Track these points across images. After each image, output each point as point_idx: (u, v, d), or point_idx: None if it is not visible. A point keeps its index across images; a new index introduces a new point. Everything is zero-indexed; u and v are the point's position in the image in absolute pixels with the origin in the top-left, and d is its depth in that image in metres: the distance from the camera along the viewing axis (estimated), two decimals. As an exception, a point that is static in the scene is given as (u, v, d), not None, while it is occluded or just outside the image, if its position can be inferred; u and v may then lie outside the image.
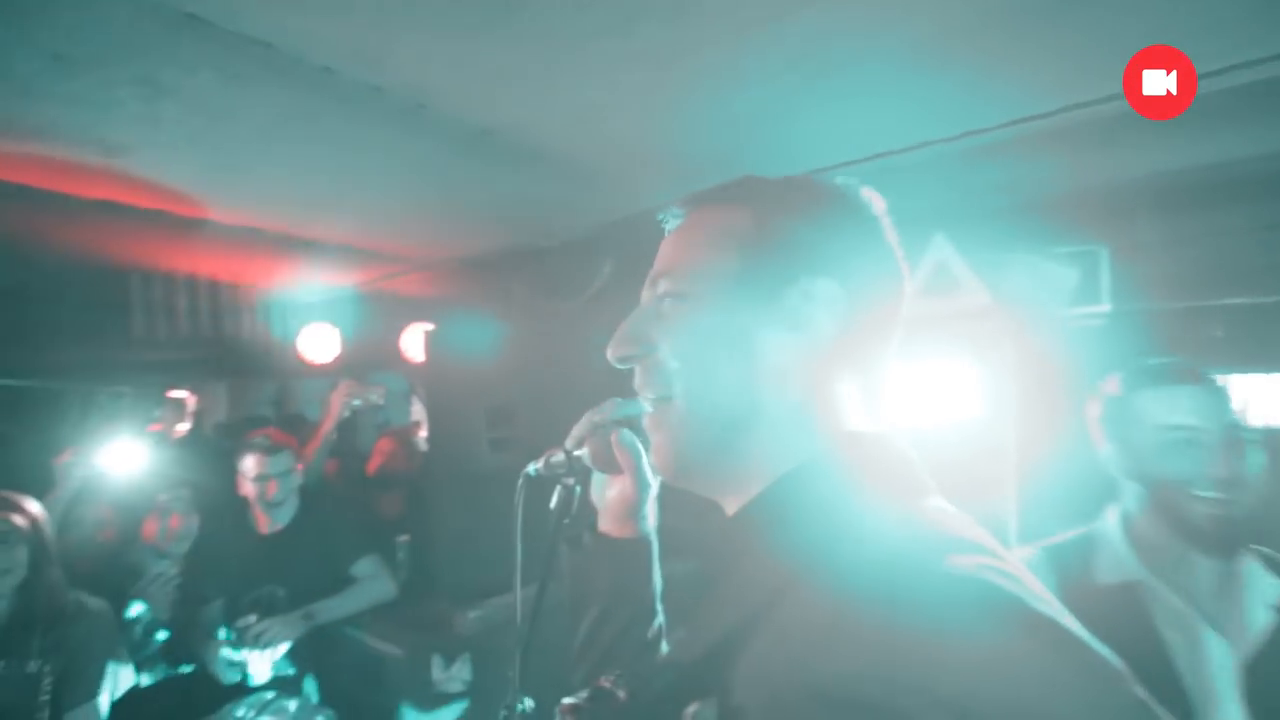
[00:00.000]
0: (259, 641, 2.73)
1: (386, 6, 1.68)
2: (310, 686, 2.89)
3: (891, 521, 0.72)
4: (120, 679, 2.53)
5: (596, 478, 1.04)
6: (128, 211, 2.92)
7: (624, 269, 3.41)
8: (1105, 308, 2.70)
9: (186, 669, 2.99)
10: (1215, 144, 2.47)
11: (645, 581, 1.03)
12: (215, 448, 5.18)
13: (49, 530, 2.42)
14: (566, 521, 1.04)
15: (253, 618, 2.79)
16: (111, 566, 3.23)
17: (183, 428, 5.11)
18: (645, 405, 0.90)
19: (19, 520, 2.30)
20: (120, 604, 2.92)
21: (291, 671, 2.81)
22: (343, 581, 3.10)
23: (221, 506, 3.23)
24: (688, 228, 0.91)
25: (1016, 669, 0.58)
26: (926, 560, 0.65)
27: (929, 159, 2.45)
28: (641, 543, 1.03)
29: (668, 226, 0.94)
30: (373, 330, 4.66)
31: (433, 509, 3.87)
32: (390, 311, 4.60)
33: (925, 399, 2.68)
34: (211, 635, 2.84)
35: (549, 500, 1.05)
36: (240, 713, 2.48)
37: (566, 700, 0.82)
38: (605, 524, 1.04)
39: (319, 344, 4.51)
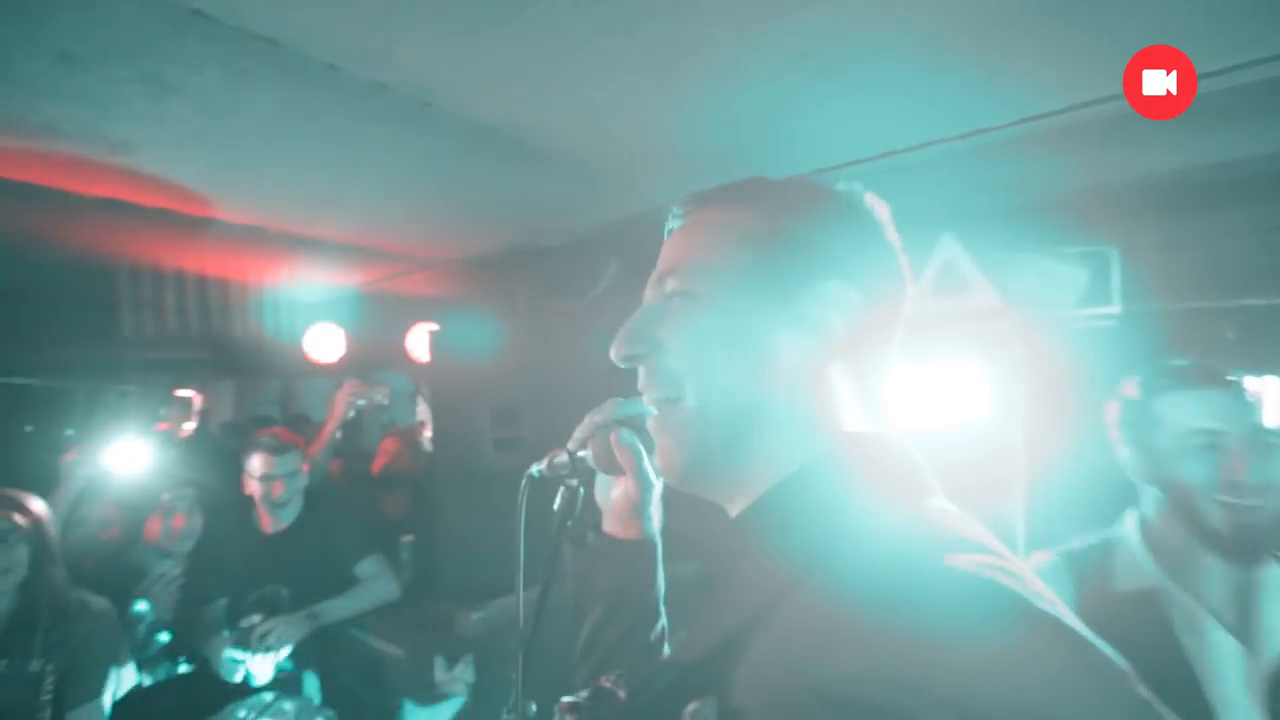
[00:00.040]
0: (264, 642, 2.72)
1: (390, 3, 1.68)
2: (312, 687, 2.89)
3: (892, 522, 0.72)
4: (123, 679, 2.52)
5: (600, 478, 1.03)
6: (133, 210, 2.92)
7: (629, 269, 3.40)
8: (1115, 309, 2.67)
9: (189, 669, 2.98)
10: (1225, 143, 2.45)
11: (649, 583, 1.02)
12: (220, 447, 5.19)
13: (52, 529, 2.42)
14: (570, 523, 1.03)
15: (257, 617, 2.79)
16: (115, 566, 3.23)
17: (189, 427, 5.12)
18: (649, 407, 0.89)
19: (20, 519, 2.29)
20: (124, 603, 2.92)
21: (294, 671, 2.81)
22: (346, 582, 3.09)
23: (226, 506, 3.23)
24: (695, 226, 0.90)
25: (1019, 669, 0.57)
26: (926, 559, 0.65)
27: (936, 158, 2.44)
28: (646, 544, 1.02)
29: (671, 225, 0.93)
30: (378, 330, 4.66)
31: (437, 509, 3.86)
32: (395, 311, 4.60)
33: (933, 400, 2.66)
34: (215, 635, 2.84)
35: (553, 501, 1.04)
36: (242, 714, 2.47)
37: (565, 699, 0.81)
38: (609, 525, 1.03)
39: (324, 343, 4.51)
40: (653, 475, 0.97)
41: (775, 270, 0.83)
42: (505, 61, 1.92)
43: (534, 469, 1.03)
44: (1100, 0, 1.70)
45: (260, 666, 2.71)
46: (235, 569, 2.98)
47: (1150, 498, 1.57)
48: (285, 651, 2.77)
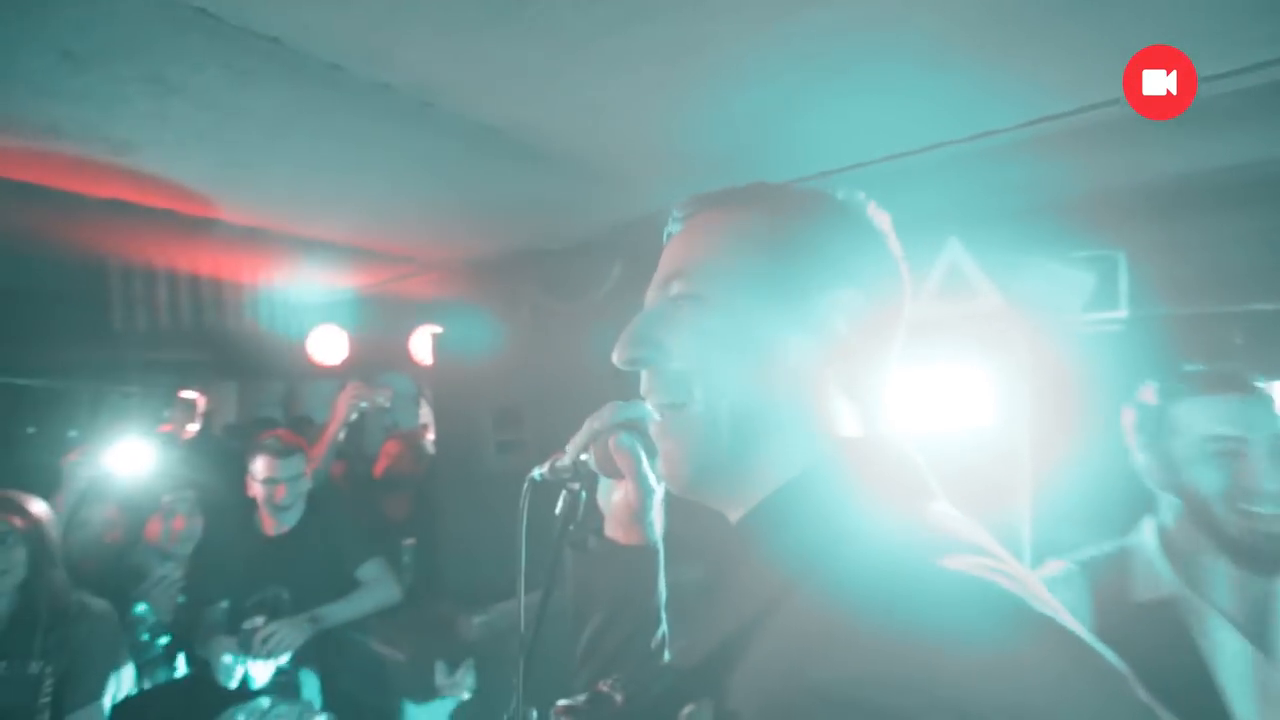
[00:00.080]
0: (265, 646, 2.71)
1: (394, 2, 1.67)
2: (313, 690, 2.87)
3: (891, 525, 0.72)
4: (123, 681, 2.52)
5: (603, 483, 1.02)
6: (137, 211, 2.92)
7: (632, 271, 3.39)
8: (1122, 313, 2.66)
9: (189, 672, 2.97)
10: (1234, 147, 2.44)
11: (650, 589, 1.01)
12: (223, 449, 5.20)
13: (52, 531, 2.41)
14: (571, 527, 1.03)
15: (259, 620, 2.78)
16: (117, 568, 3.23)
17: (192, 428, 5.12)
18: (652, 412, 0.88)
19: (18, 521, 2.29)
20: (125, 605, 2.91)
21: (291, 670, 2.79)
22: (348, 585, 3.08)
23: (228, 508, 3.22)
24: (699, 230, 0.89)
25: (1019, 671, 0.57)
26: (924, 561, 0.65)
27: (942, 160, 2.43)
28: (647, 550, 1.01)
29: (671, 229, 0.92)
30: (381, 332, 4.66)
31: (439, 512, 3.85)
32: (398, 313, 4.60)
33: (938, 404, 2.64)
34: (215, 637, 2.83)
35: (555, 505, 1.03)
36: (241, 718, 2.46)
37: (561, 702, 0.82)
38: (611, 530, 1.02)
39: (327, 345, 4.51)
40: (653, 480, 0.96)
41: (785, 274, 0.82)
42: (508, 61, 1.91)
43: (536, 472, 1.02)
44: (1108, 1, 1.69)
45: (259, 670, 2.70)
46: (237, 571, 2.97)
47: (1168, 505, 1.55)
48: (286, 656, 2.76)
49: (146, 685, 2.88)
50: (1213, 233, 2.68)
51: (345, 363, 4.55)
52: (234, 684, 2.69)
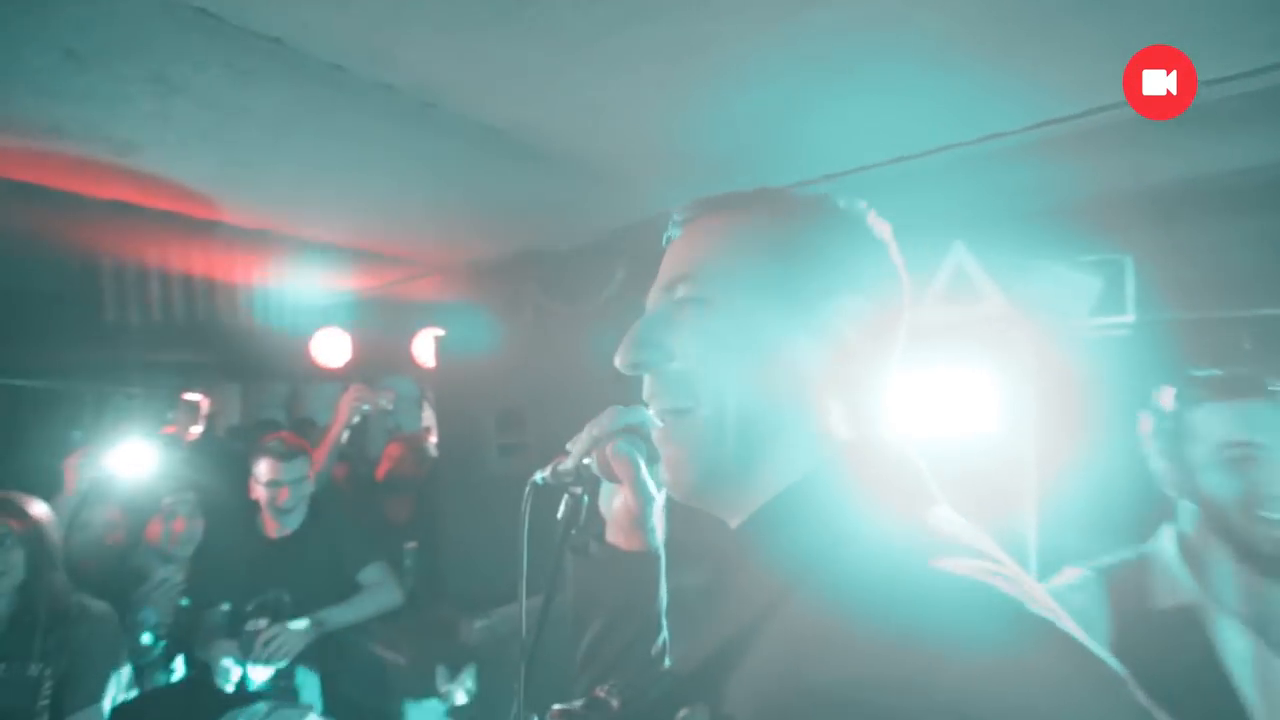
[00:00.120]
0: (266, 650, 2.70)
1: (396, 2, 1.66)
2: (313, 693, 2.86)
3: (888, 528, 0.72)
4: (122, 683, 2.51)
5: (605, 487, 1.01)
6: (140, 212, 2.92)
7: (636, 273, 3.38)
8: (1129, 318, 2.64)
9: (189, 675, 2.96)
10: (1241, 149, 2.43)
11: (651, 596, 1.00)
12: (226, 450, 5.20)
13: (52, 533, 2.40)
14: (574, 532, 1.02)
15: (262, 622, 2.76)
16: (118, 569, 3.22)
17: (195, 430, 5.13)
18: (654, 418, 0.87)
19: (17, 524, 2.28)
20: (126, 607, 2.90)
21: (293, 677, 2.78)
22: (350, 588, 3.07)
23: (230, 510, 3.21)
24: (703, 233, 0.88)
25: (1017, 673, 0.57)
26: (920, 563, 0.65)
27: (948, 162, 2.42)
28: (648, 556, 1.00)
29: (671, 233, 0.92)
30: (383, 334, 4.66)
31: (441, 515, 3.84)
32: (401, 316, 4.60)
33: (943, 409, 2.62)
34: (216, 640, 2.82)
35: (557, 509, 1.02)
36: (241, 720, 2.45)
37: (557, 707, 0.82)
38: (612, 536, 1.02)
39: (330, 348, 4.51)
40: (653, 487, 0.95)
41: (790, 279, 0.82)
42: (509, 61, 1.90)
43: (538, 476, 1.01)
44: (1115, 3, 1.68)
45: (259, 673, 2.69)
46: (238, 574, 2.96)
47: (1187, 512, 1.53)
48: (286, 660, 2.75)
49: (145, 688, 2.87)
50: (1220, 237, 2.66)
51: (348, 365, 4.55)
52: (233, 687, 2.68)
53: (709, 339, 0.82)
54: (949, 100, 2.11)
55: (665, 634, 1.01)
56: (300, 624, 2.81)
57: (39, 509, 2.39)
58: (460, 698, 3.30)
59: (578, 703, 0.81)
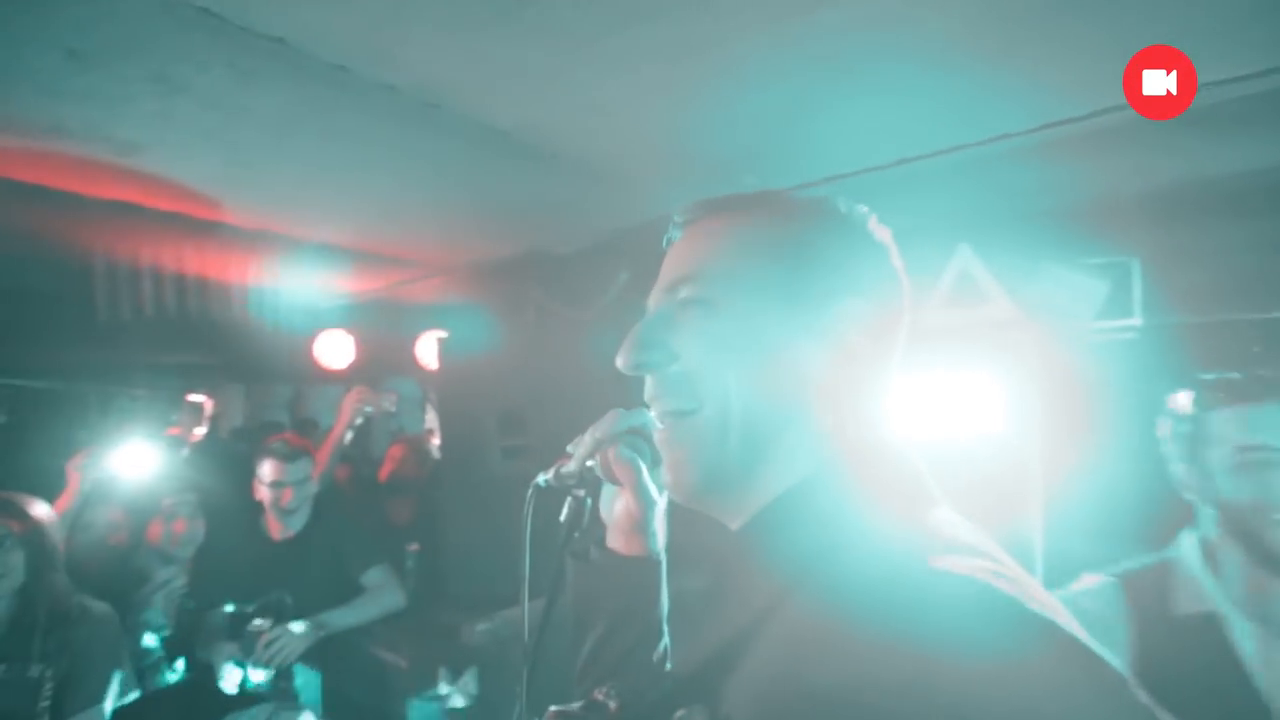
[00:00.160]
0: (268, 652, 2.69)
1: (398, 2, 1.66)
2: (314, 696, 2.85)
3: (888, 529, 0.72)
4: (124, 685, 2.50)
5: (607, 490, 1.01)
6: (143, 212, 2.92)
7: (639, 275, 3.37)
8: (1136, 321, 2.62)
9: (189, 676, 2.96)
10: (1247, 151, 2.42)
11: (652, 601, 0.99)
12: (229, 451, 5.21)
13: (53, 534, 2.40)
14: (576, 535, 1.01)
15: (265, 623, 2.76)
16: (120, 570, 3.21)
17: (199, 431, 5.13)
18: (656, 421, 0.86)
19: (17, 525, 2.27)
20: (126, 609, 2.90)
21: (294, 679, 2.77)
22: (352, 590, 3.07)
23: (232, 511, 3.21)
24: (706, 235, 0.88)
25: (1018, 674, 0.56)
26: (920, 564, 0.65)
27: (953, 164, 2.41)
28: (649, 561, 0.99)
29: (672, 235, 0.91)
30: (387, 336, 4.66)
31: (443, 517, 3.83)
32: (404, 317, 4.60)
33: (948, 412, 2.61)
34: (217, 642, 2.81)
35: (560, 511, 1.01)
36: (241, 723, 2.44)
37: (554, 708, 0.82)
38: (613, 540, 1.01)
39: (334, 349, 4.52)
40: (654, 491, 0.95)
41: (794, 281, 0.82)
42: (511, 61, 1.90)
43: (541, 479, 1.01)
44: (1121, 5, 1.68)
45: (260, 675, 2.68)
46: (241, 575, 2.95)
47: (1208, 517, 1.51)
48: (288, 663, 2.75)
49: (147, 689, 2.87)
50: (1228, 239, 2.65)
51: (351, 367, 4.55)
52: (234, 689, 2.68)
53: (711, 340, 0.81)
54: (951, 101, 2.10)
55: (667, 639, 1.00)
56: (302, 626, 2.81)
57: (40, 510, 2.38)
58: (461, 700, 3.28)
59: (575, 705, 0.81)
